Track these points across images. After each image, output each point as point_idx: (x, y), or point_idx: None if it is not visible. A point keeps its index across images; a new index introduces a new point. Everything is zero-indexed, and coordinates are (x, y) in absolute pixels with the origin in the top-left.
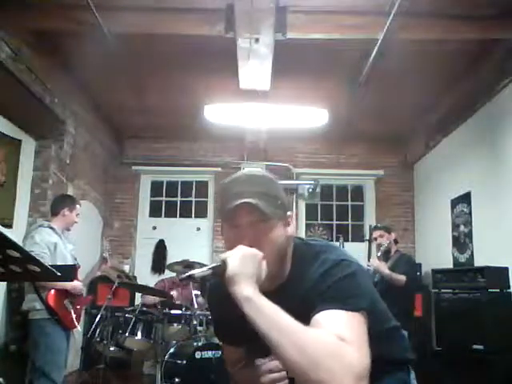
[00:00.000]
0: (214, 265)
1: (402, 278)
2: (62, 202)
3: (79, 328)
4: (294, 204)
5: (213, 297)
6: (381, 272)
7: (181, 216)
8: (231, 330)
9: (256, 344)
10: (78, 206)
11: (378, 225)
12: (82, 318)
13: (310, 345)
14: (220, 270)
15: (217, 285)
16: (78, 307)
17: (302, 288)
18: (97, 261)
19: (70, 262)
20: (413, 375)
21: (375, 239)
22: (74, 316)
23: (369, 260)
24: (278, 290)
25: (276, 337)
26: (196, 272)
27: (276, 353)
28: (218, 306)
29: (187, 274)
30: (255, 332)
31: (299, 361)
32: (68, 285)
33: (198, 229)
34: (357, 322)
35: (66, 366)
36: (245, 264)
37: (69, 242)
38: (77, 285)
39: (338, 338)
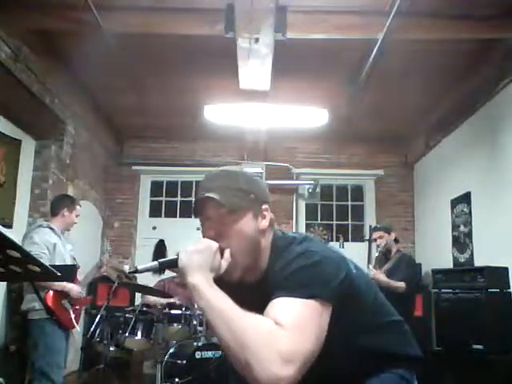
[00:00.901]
0: (167, 258)
1: (401, 285)
2: (62, 203)
3: (78, 328)
4: (294, 204)
5: None
6: (378, 280)
7: (181, 216)
8: None
9: None
10: (77, 206)
11: (378, 225)
12: (81, 318)
13: (242, 329)
14: (174, 263)
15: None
16: (77, 307)
17: (272, 280)
18: (94, 264)
19: (68, 263)
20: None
21: (375, 240)
22: (72, 316)
23: (368, 262)
24: (259, 282)
25: (214, 321)
26: (141, 267)
27: (216, 336)
28: None
29: (133, 269)
30: None
31: (230, 343)
32: (66, 287)
33: (198, 229)
34: (306, 309)
35: (65, 366)
36: (195, 256)
37: (68, 243)
38: (75, 288)
39: (274, 323)
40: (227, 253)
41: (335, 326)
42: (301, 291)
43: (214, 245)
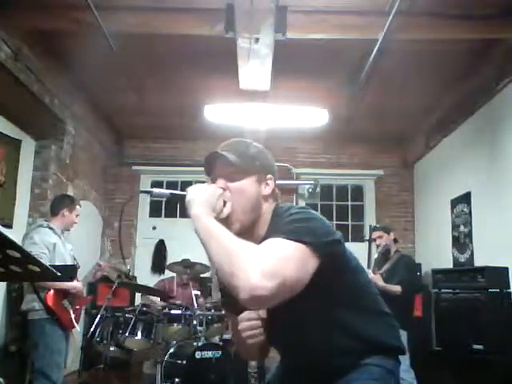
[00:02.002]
0: (177, 192)
1: (397, 288)
2: (62, 203)
3: (78, 328)
4: (294, 204)
5: None
6: (375, 285)
7: (181, 216)
8: (234, 299)
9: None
10: (77, 206)
11: (377, 225)
12: (81, 318)
13: (232, 247)
14: (182, 198)
15: None
16: (78, 307)
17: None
18: (93, 266)
19: (69, 263)
20: (412, 375)
21: (374, 240)
22: (73, 316)
23: (368, 261)
24: None
25: (209, 242)
26: (156, 190)
27: (208, 254)
28: None
29: (148, 189)
30: None
31: (221, 259)
32: (68, 285)
33: None
34: (294, 248)
35: (65, 366)
36: (200, 194)
37: (68, 242)
38: (77, 285)
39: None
40: (229, 204)
41: (321, 291)
42: (291, 235)
43: (219, 191)
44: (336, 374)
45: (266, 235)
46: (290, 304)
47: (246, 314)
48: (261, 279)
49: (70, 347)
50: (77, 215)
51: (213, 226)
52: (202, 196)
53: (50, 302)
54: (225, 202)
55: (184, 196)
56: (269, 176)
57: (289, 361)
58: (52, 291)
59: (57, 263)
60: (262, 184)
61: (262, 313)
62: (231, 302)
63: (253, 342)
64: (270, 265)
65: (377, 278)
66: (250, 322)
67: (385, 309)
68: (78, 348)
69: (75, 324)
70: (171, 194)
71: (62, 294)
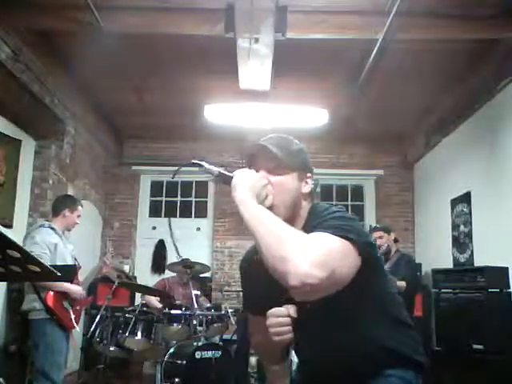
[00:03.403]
0: (226, 172)
1: (402, 284)
2: (63, 203)
3: (78, 328)
4: None
5: (244, 265)
6: None
7: (181, 216)
8: (258, 297)
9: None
10: (79, 207)
11: (377, 225)
12: (81, 319)
13: (281, 232)
14: (229, 179)
15: (248, 255)
16: (78, 308)
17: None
18: (97, 263)
19: (70, 263)
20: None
21: (375, 240)
22: (73, 316)
23: None
24: None
25: (257, 226)
26: (207, 165)
27: (255, 238)
28: (247, 273)
29: (199, 161)
30: (280, 299)
31: (270, 242)
32: (67, 288)
33: (198, 229)
34: (339, 243)
35: (65, 366)
36: (247, 180)
37: (69, 243)
38: (77, 289)
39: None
40: (270, 197)
41: (354, 294)
42: (337, 231)
43: (264, 181)
44: (357, 382)
45: (304, 226)
46: (322, 306)
47: (275, 310)
48: (311, 267)
49: (70, 347)
50: (78, 215)
51: (261, 210)
52: (248, 182)
53: (50, 303)
54: (266, 194)
55: (231, 178)
56: (308, 175)
57: (310, 367)
58: (52, 292)
59: (58, 263)
60: (302, 182)
61: (293, 312)
62: (255, 301)
63: (280, 340)
64: (320, 255)
65: None
66: (279, 318)
67: (409, 320)
68: (78, 348)
69: (75, 324)
70: (220, 172)
71: (63, 294)
